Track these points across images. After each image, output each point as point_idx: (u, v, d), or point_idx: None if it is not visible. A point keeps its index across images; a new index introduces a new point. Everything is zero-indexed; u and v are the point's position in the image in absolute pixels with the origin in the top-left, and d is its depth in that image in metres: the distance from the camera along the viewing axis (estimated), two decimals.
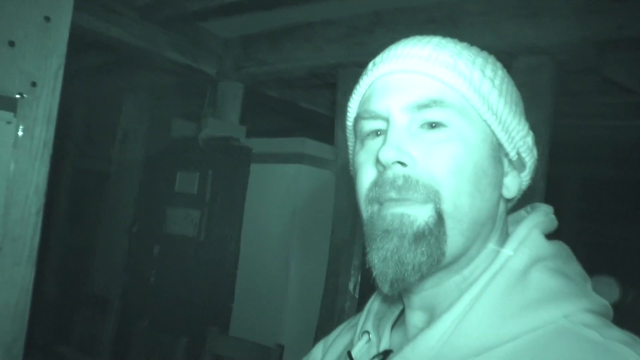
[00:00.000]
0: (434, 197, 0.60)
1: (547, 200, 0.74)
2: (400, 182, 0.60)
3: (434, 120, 0.62)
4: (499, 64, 0.69)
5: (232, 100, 3.22)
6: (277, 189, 3.45)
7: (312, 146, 3.34)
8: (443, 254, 0.60)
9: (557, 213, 0.70)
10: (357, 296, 2.65)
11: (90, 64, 3.62)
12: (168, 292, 3.22)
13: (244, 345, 2.58)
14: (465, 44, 0.68)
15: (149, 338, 2.80)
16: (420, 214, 0.60)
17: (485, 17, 2.23)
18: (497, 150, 0.65)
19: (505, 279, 0.59)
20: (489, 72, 0.65)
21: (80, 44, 3.03)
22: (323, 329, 2.65)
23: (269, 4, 2.44)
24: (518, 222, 0.68)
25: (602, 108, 3.20)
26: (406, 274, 0.60)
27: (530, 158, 0.69)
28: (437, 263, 0.60)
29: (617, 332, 0.56)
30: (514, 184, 0.67)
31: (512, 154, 0.66)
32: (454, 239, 0.61)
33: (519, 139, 0.66)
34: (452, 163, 0.60)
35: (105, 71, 3.76)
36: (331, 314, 2.64)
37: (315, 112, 3.68)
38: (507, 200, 0.69)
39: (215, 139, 3.10)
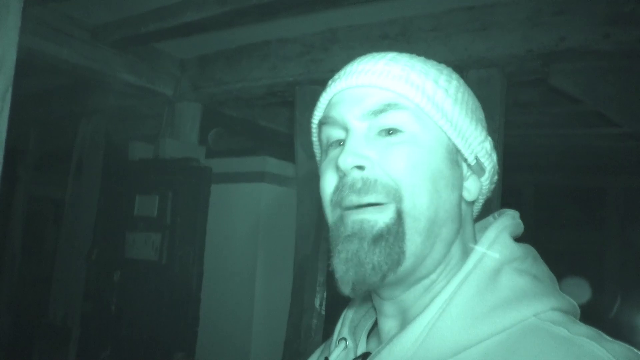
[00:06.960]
0: (394, 196, 0.62)
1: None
2: (359, 185, 0.63)
3: (390, 126, 0.65)
4: (454, 75, 0.72)
5: (190, 120, 3.19)
6: (239, 208, 3.43)
7: (273, 164, 3.34)
8: (403, 252, 0.62)
9: None
10: (323, 313, 2.63)
11: (44, 87, 3.54)
12: (130, 319, 3.13)
13: None
14: (421, 58, 0.71)
15: None
16: (380, 218, 0.62)
17: (436, 32, 2.30)
18: (455, 154, 0.67)
19: (476, 281, 0.61)
20: (442, 82, 0.68)
21: (32, 67, 2.98)
22: (290, 347, 2.63)
23: (225, 24, 2.44)
24: (486, 227, 0.71)
25: (550, 117, 3.32)
26: (366, 275, 0.62)
27: (489, 162, 0.71)
28: (397, 263, 0.62)
29: (583, 328, 0.58)
30: (474, 187, 0.70)
31: (471, 159, 0.69)
32: (412, 238, 0.63)
33: (477, 144, 0.69)
34: (408, 162, 0.63)
35: (59, 95, 3.68)
36: (298, 332, 2.62)
37: (275, 130, 3.69)
38: (470, 204, 0.71)
39: (174, 160, 3.07)
